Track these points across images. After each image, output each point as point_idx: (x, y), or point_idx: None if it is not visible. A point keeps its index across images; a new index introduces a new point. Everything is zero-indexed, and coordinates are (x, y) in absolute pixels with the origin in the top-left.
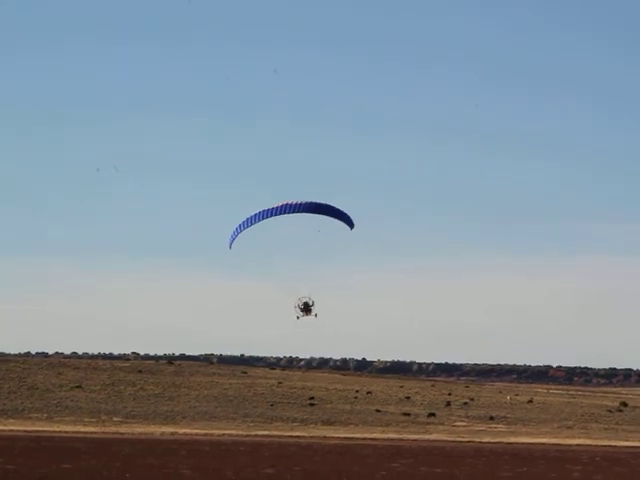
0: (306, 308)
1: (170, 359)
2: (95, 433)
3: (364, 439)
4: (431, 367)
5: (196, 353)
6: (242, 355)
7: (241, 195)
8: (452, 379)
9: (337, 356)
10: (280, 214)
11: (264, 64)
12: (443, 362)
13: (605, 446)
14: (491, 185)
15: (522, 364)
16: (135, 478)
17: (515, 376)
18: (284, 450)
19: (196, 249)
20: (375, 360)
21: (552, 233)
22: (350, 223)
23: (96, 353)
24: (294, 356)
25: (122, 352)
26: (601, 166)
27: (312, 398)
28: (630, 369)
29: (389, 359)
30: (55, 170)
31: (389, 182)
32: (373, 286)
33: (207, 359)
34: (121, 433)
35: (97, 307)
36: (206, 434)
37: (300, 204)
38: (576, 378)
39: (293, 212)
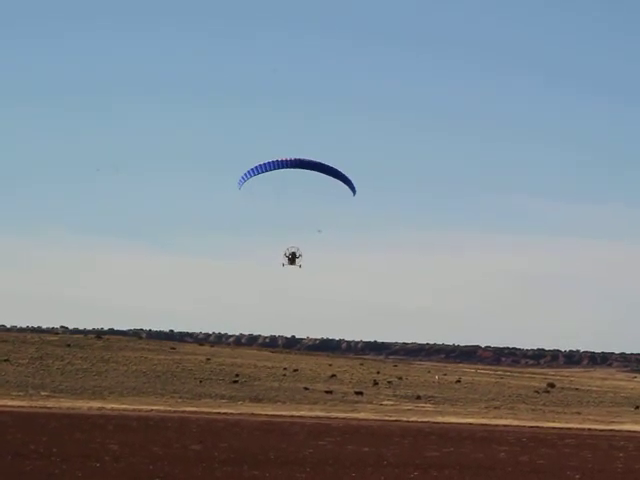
0: (292, 258)
1: (99, 334)
2: (22, 407)
3: (292, 417)
4: (360, 345)
5: (125, 328)
6: (171, 331)
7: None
8: (381, 358)
9: (266, 333)
10: (292, 167)
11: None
12: (372, 340)
13: (532, 427)
14: (423, 160)
15: (450, 344)
16: (62, 452)
17: (443, 356)
18: (211, 426)
19: (128, 225)
20: (304, 337)
21: (483, 212)
22: (353, 189)
23: (24, 326)
24: (223, 332)
25: (51, 326)
26: (538, 145)
27: (237, 375)
28: (558, 350)
29: (318, 337)
30: None
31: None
32: (303, 264)
33: (136, 334)
34: (49, 407)
35: (26, 280)
36: (134, 409)
37: (313, 162)
38: (504, 359)
39: (304, 167)
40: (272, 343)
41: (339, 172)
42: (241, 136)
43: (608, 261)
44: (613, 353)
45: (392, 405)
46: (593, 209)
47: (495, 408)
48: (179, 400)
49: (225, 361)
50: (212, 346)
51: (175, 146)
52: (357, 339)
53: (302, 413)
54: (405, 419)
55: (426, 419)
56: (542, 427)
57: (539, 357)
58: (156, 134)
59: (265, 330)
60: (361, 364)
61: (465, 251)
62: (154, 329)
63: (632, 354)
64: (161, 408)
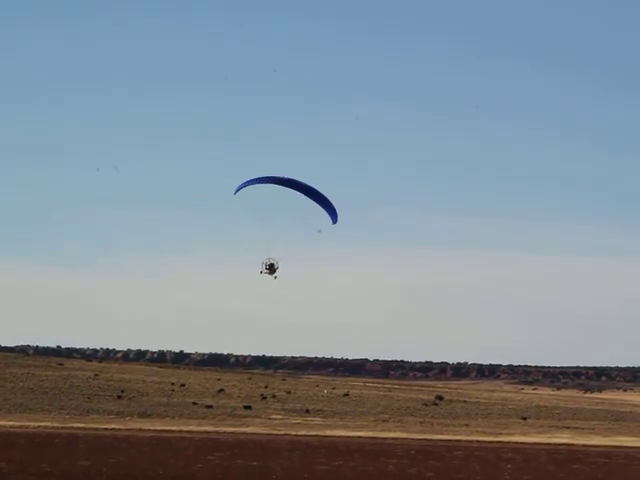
0: (271, 268)
1: None
2: None
3: (180, 432)
4: (248, 359)
5: (11, 344)
6: (58, 347)
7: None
8: (269, 372)
9: (154, 348)
10: (283, 185)
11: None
12: (260, 355)
13: (420, 439)
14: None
15: (339, 357)
16: None
17: (332, 369)
18: (100, 442)
19: (14, 237)
20: (192, 352)
21: (370, 226)
22: (334, 217)
23: None
24: (111, 348)
25: None
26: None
27: (123, 391)
28: (446, 363)
29: (206, 351)
30: None
31: None
32: (191, 277)
33: (23, 350)
34: None
35: None
36: (21, 426)
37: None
38: (392, 372)
39: (294, 188)
40: (160, 358)
41: (326, 199)
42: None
43: (495, 274)
44: (501, 365)
45: (281, 419)
46: (479, 222)
47: (384, 421)
48: (67, 416)
49: (113, 377)
50: (100, 362)
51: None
52: (245, 353)
53: (191, 428)
54: (294, 433)
55: (315, 433)
56: (431, 439)
57: (427, 370)
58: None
59: (153, 345)
60: (249, 378)
61: (353, 265)
62: (41, 345)
63: (519, 366)
64: (49, 424)
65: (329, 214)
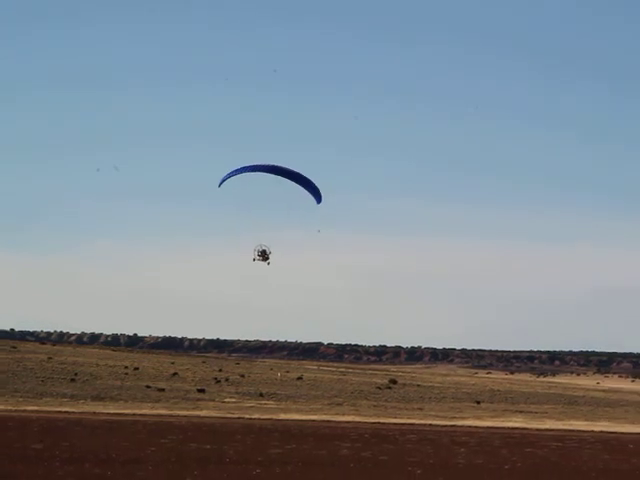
0: (263, 254)
1: None
2: None
3: (134, 415)
4: (202, 343)
5: None
6: (12, 329)
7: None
8: (223, 355)
9: (108, 332)
10: (267, 172)
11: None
12: (214, 338)
13: (374, 423)
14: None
15: (293, 341)
16: None
17: (286, 353)
18: (53, 425)
19: None
20: (146, 336)
21: (325, 211)
22: (318, 198)
23: None
24: (65, 331)
25: None
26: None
27: (76, 374)
28: (400, 347)
29: (160, 335)
30: None
31: None
32: (146, 260)
33: None
34: None
35: None
36: None
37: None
38: (346, 355)
39: (278, 174)
40: (114, 341)
41: (309, 181)
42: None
43: (448, 259)
44: (454, 349)
45: (235, 403)
46: (432, 207)
47: (337, 405)
48: (20, 399)
49: (67, 360)
50: (54, 345)
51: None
52: (199, 337)
53: (144, 411)
54: (248, 416)
55: (269, 416)
56: (384, 423)
57: (381, 354)
58: None
59: (107, 329)
60: (203, 362)
61: (305, 250)
62: None
63: (473, 350)
64: (1, 407)
65: (313, 195)
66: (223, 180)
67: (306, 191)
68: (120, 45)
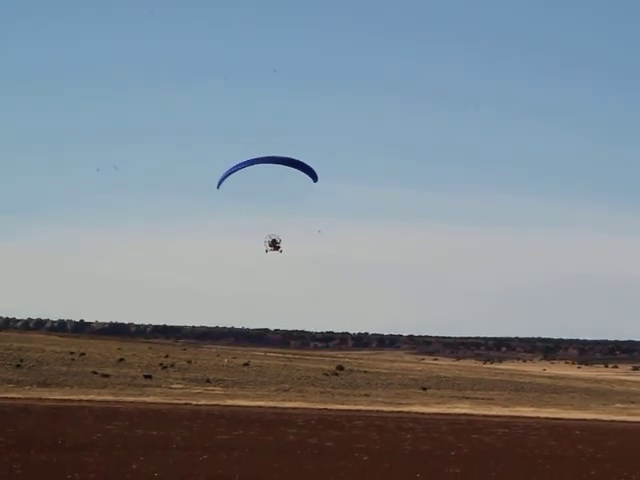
0: (274, 244)
1: None
2: None
3: (80, 401)
4: (149, 329)
5: None
6: None
7: None
8: (170, 341)
9: (54, 317)
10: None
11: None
12: (161, 324)
13: (321, 409)
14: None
15: (240, 327)
16: None
17: (233, 339)
18: None
19: None
20: (93, 321)
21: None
22: (314, 177)
23: None
24: (10, 317)
25: None
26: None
27: (22, 360)
28: (347, 333)
29: (107, 320)
30: None
31: None
32: (94, 246)
33: None
34: None
35: None
36: None
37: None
38: (293, 342)
39: (264, 163)
40: (60, 327)
41: (303, 163)
42: None
43: (397, 245)
44: (401, 336)
45: (181, 389)
46: (382, 192)
47: (284, 391)
48: None
49: (12, 345)
50: None
51: None
52: (146, 323)
53: (90, 397)
54: (194, 402)
55: (215, 402)
56: (331, 409)
57: (328, 340)
58: None
59: (53, 314)
60: (150, 348)
61: (255, 235)
62: None
63: (420, 337)
64: None
65: (309, 175)
66: (222, 180)
67: (302, 172)
68: (120, 45)
